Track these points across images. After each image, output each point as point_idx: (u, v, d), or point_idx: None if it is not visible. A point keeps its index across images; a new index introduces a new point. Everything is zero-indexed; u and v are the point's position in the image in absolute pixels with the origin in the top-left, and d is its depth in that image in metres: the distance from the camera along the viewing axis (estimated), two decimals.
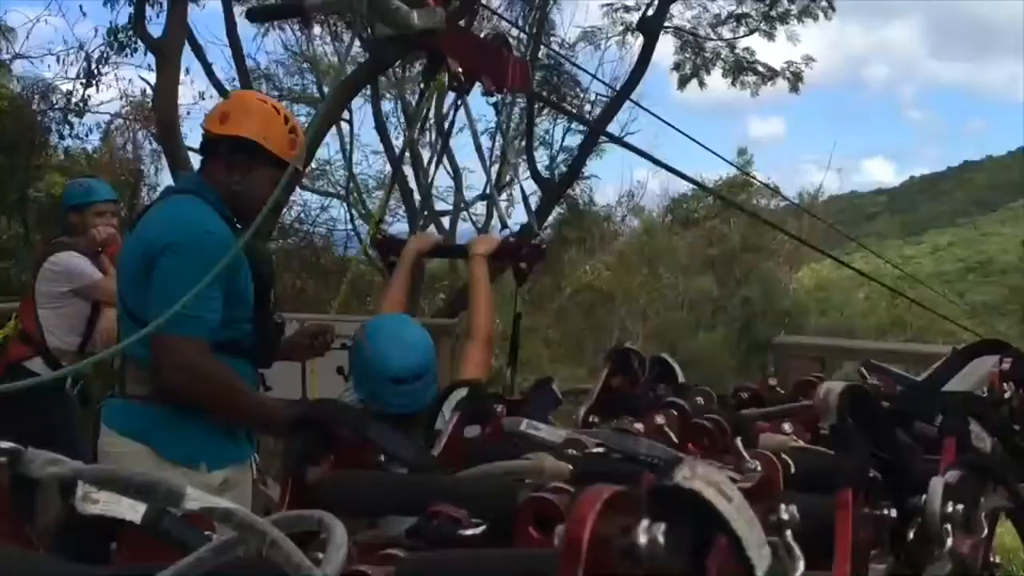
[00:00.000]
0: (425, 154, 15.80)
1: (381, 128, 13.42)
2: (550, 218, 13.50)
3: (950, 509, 0.91)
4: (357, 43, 10.80)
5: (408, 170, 14.60)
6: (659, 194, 22.73)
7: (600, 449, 1.30)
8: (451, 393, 1.37)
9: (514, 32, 13.08)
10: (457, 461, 1.26)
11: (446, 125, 14.44)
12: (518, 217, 15.46)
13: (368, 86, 11.68)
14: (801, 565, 0.71)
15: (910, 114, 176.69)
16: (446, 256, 3.18)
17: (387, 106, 14.85)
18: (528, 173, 12.50)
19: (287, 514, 0.85)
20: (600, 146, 13.19)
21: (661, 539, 0.50)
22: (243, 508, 0.72)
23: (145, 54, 9.43)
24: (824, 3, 11.35)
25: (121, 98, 12.07)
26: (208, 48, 10.96)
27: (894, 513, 0.93)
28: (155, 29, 8.33)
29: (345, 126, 14.96)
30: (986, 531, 1.17)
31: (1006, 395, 1.40)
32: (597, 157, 13.60)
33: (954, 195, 73.47)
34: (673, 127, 5.76)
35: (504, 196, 16.12)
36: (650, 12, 11.13)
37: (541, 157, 13.56)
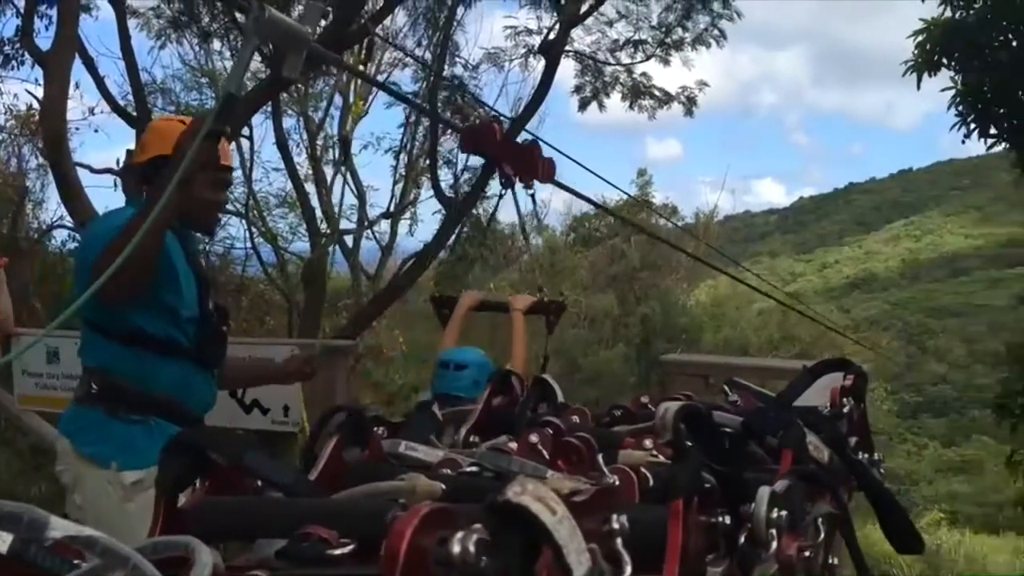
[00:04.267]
0: (328, 172, 15.69)
1: (282, 145, 13.22)
2: (452, 237, 13.56)
3: (775, 515, 1.01)
4: (258, 57, 10.69)
5: (311, 188, 14.48)
6: (562, 213, 23.07)
7: (474, 468, 1.36)
8: (331, 417, 1.42)
9: (420, 50, 13.17)
10: (336, 483, 1.30)
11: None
12: (421, 235, 15.41)
13: (269, 102, 11.52)
14: (629, 569, 0.79)
15: (796, 138, 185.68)
16: (491, 310, 3.67)
17: (289, 122, 14.67)
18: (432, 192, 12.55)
19: (154, 540, 0.89)
20: None
21: (472, 548, 0.57)
22: (107, 536, 0.75)
23: (32, 67, 9.10)
24: (716, 32, 11.85)
25: (5, 112, 11.59)
26: (100, 61, 10.62)
27: (728, 520, 1.03)
28: (44, 42, 8.06)
29: (245, 142, 14.71)
30: (822, 535, 1.29)
31: (845, 409, 1.54)
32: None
33: (840, 215, 77.30)
34: (568, 157, 5.94)
35: (407, 215, 16.15)
36: (551, 36, 11.37)
37: (445, 176, 13.61)
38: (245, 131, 13.70)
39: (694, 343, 19.40)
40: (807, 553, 1.23)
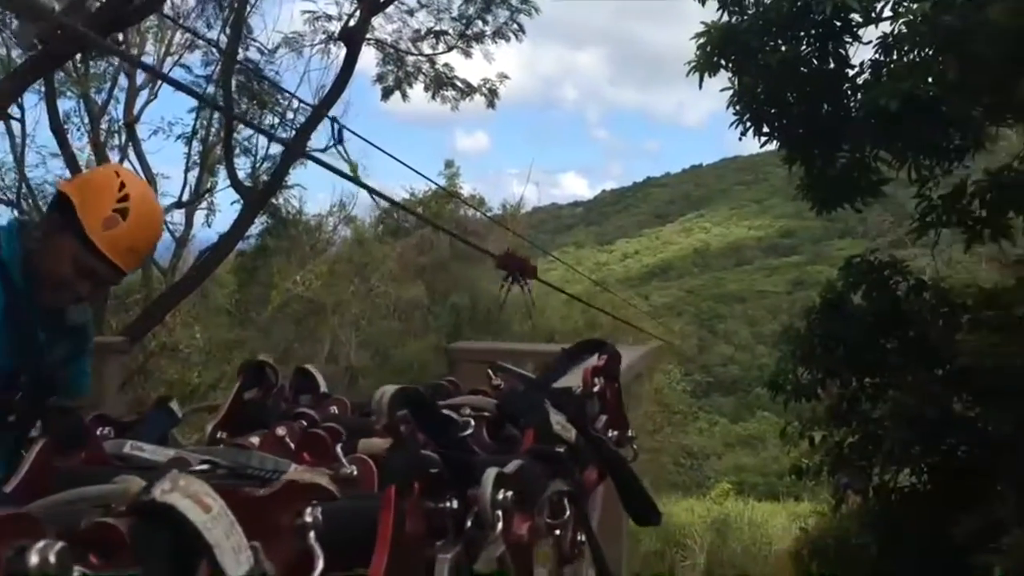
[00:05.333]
0: (114, 157, 14.61)
1: (58, 129, 12.13)
2: (253, 227, 13.03)
3: (501, 496, 0.99)
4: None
5: None
6: (371, 204, 22.76)
7: (205, 466, 1.27)
8: (43, 419, 1.27)
9: (214, 34, 12.50)
10: (44, 492, 1.17)
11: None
12: (218, 226, 14.69)
13: (42, 80, 10.53)
14: (320, 564, 0.74)
15: (597, 133, 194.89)
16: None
17: (68, 104, 13.50)
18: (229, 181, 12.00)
19: None
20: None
21: (54, 559, 0.51)
22: None
23: None
24: (515, 26, 12.09)
25: None
26: None
27: (455, 504, 1.00)
28: None
29: (16, 125, 13.42)
30: (567, 513, 1.30)
31: (595, 388, 1.57)
32: (302, 166, 13.34)
33: (639, 208, 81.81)
34: (374, 145, 6.01)
35: (204, 204, 15.34)
36: (352, 23, 11.15)
37: (243, 164, 13.04)
38: (15, 111, 12.50)
39: (503, 332, 19.78)
40: (557, 532, 1.24)
